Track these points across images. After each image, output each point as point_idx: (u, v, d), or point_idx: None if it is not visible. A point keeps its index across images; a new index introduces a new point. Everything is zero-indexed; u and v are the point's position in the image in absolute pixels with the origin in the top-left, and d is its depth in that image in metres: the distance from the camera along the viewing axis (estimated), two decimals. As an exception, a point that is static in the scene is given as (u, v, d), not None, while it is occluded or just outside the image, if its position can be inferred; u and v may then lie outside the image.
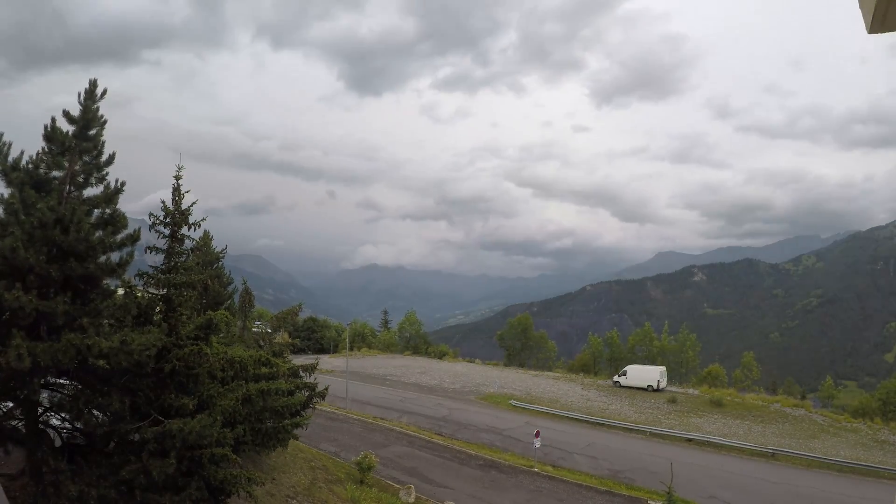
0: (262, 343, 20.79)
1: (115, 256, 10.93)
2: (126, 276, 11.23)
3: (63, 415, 11.10)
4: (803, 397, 50.24)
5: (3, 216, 10.15)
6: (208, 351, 11.50)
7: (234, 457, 11.62)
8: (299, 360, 19.86)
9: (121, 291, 11.31)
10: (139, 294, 11.63)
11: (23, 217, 9.86)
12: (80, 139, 10.92)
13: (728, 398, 40.71)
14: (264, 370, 15.45)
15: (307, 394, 17.61)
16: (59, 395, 11.04)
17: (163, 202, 11.72)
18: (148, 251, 11.89)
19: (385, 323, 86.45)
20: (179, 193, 11.77)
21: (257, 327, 26.27)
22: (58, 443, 11.54)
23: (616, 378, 47.05)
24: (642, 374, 45.87)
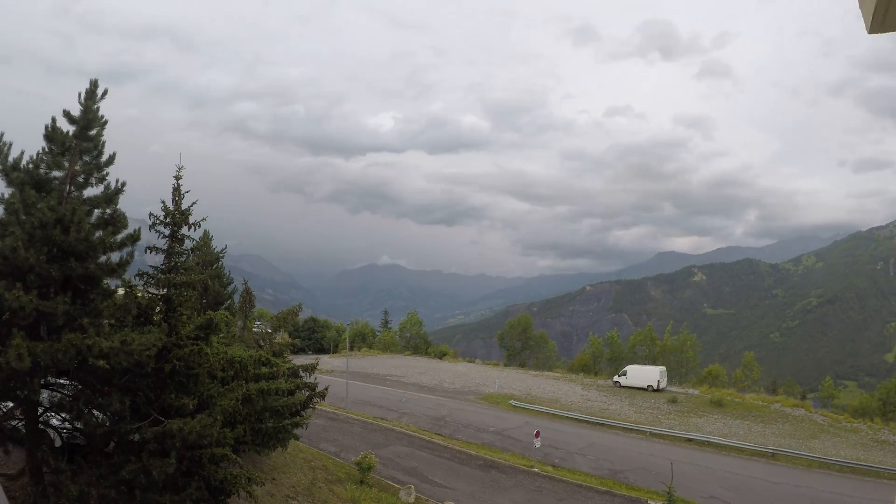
0: (262, 343, 20.80)
1: (115, 256, 10.90)
2: (126, 276, 11.21)
3: (63, 415, 11.09)
4: (803, 397, 50.21)
5: (3, 216, 10.14)
6: (208, 351, 11.49)
7: (234, 457, 11.62)
8: (299, 360, 19.87)
9: (121, 291, 11.29)
10: (139, 294, 11.60)
11: (23, 217, 9.86)
12: (80, 139, 10.91)
13: (728, 398, 40.70)
14: (264, 370, 15.49)
15: (307, 394, 17.61)
16: (59, 395, 11.03)
17: (163, 202, 11.71)
18: (148, 251, 11.88)
19: (385, 323, 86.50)
20: (179, 194, 11.75)
21: (257, 327, 26.25)
22: (58, 443, 11.52)
23: (616, 378, 47.04)
24: (642, 374, 45.86)
